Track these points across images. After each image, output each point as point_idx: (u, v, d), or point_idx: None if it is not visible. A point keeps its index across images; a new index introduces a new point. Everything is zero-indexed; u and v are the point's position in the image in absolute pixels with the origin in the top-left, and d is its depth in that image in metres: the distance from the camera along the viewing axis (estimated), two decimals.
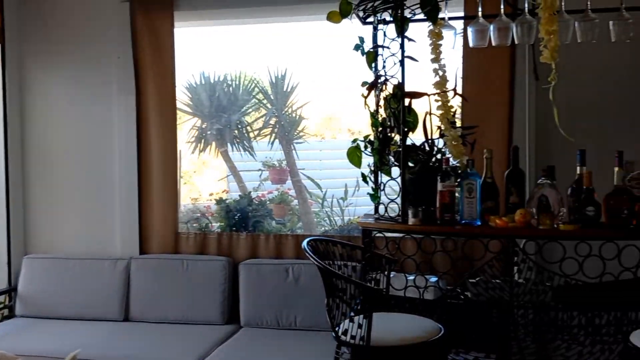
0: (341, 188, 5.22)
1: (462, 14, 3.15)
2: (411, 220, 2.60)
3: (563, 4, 2.59)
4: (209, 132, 4.82)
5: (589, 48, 2.73)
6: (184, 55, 3.91)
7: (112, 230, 3.69)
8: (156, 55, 3.57)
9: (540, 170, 2.61)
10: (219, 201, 4.04)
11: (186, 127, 4.93)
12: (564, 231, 2.41)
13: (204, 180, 5.83)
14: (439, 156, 2.78)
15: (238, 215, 3.84)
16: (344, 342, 2.19)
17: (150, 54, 3.57)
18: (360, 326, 2.13)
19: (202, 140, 4.90)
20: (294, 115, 5.10)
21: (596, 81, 3.15)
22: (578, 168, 2.61)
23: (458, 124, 2.98)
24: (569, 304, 2.46)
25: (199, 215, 4.15)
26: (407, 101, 2.69)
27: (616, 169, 2.50)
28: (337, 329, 2.24)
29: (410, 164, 2.75)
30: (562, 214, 2.54)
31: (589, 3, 2.61)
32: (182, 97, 4.81)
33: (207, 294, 3.33)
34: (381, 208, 2.87)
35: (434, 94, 2.73)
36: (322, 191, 5.31)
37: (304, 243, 2.33)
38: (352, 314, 2.26)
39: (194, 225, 4.02)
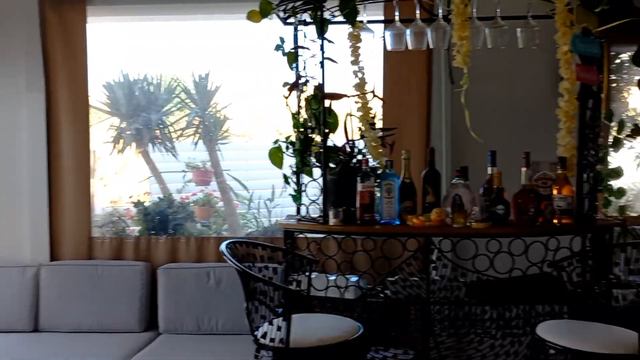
0: (268, 189, 5.18)
1: (382, 17, 3.21)
2: (332, 221, 2.62)
3: (475, 11, 2.70)
4: (128, 132, 4.64)
5: (500, 54, 2.86)
6: (101, 52, 3.74)
7: (20, 236, 3.47)
8: (67, 52, 3.39)
9: (455, 170, 2.70)
10: (137, 204, 3.89)
11: (105, 126, 4.73)
12: (476, 229, 2.51)
13: (125, 182, 5.61)
14: (359, 157, 2.82)
15: (157, 218, 3.72)
16: (263, 345, 2.17)
17: (61, 49, 3.39)
18: (279, 328, 2.11)
19: (121, 140, 4.71)
20: (218, 115, 5.01)
21: (507, 85, 3.31)
22: (489, 168, 2.72)
23: (379, 125, 3.03)
24: (481, 299, 2.57)
25: (116, 218, 3.98)
26: (327, 102, 2.70)
27: (524, 169, 2.63)
28: (256, 332, 2.21)
29: (332, 165, 2.77)
30: (475, 213, 2.64)
31: (498, 11, 2.73)
32: (99, 96, 4.60)
33: (124, 301, 3.20)
34: (303, 209, 2.87)
35: (354, 96, 2.76)
36: (248, 192, 5.26)
37: (222, 246, 2.28)
38: (273, 316, 2.24)
39: (111, 229, 3.85)
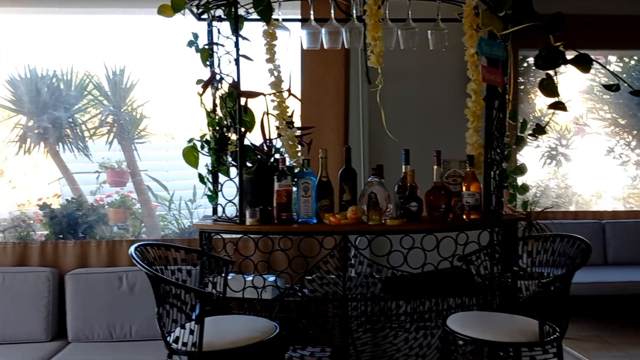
0: (190, 190, 5.06)
1: (299, 16, 3.21)
2: (249, 221, 2.58)
3: (387, 12, 2.76)
4: (35, 131, 4.38)
5: (413, 55, 2.94)
6: (4, 46, 3.49)
7: None
8: None
9: (371, 169, 2.75)
10: (43, 206, 3.67)
11: (10, 125, 4.43)
12: (391, 226, 2.56)
13: (35, 183, 5.29)
14: (276, 156, 2.80)
15: (65, 221, 3.52)
16: (175, 350, 2.10)
17: None
18: (192, 332, 2.05)
19: (28, 140, 4.44)
20: (134, 113, 4.83)
21: (420, 86, 3.41)
22: (403, 167, 2.79)
23: (297, 124, 3.03)
24: (396, 294, 2.62)
25: (21, 222, 3.74)
26: (243, 100, 2.66)
27: (435, 167, 2.72)
28: (168, 337, 2.14)
29: (248, 164, 2.74)
30: (390, 210, 2.70)
31: (410, 13, 2.80)
32: (2, 92, 4.31)
33: (29, 309, 3.00)
34: (220, 209, 2.81)
35: (270, 94, 2.74)
36: (169, 193, 5.10)
37: (131, 249, 2.19)
38: (186, 320, 2.18)
39: (15, 233, 3.61)
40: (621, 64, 5.90)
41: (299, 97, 2.76)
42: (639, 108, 5.87)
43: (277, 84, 2.70)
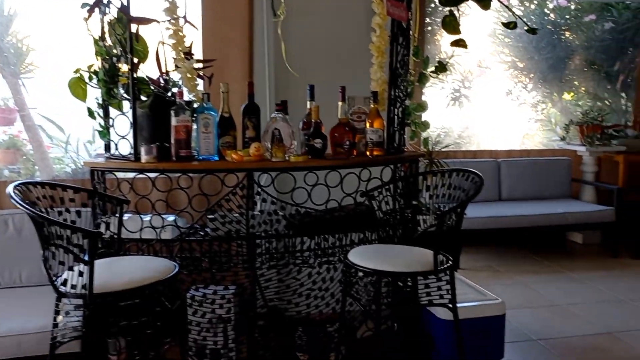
0: (89, 129, 4.72)
1: None
2: (144, 158, 2.44)
3: None
4: None
5: None
6: None
7: None
8: None
9: (275, 104, 2.66)
10: None
11: None
12: (294, 163, 2.52)
13: None
14: (175, 90, 2.64)
15: None
16: (64, 293, 1.98)
17: None
18: (81, 274, 1.93)
19: None
20: (19, 45, 4.37)
21: (327, 20, 3.31)
22: (308, 103, 2.73)
23: (200, 56, 2.86)
24: (299, 230, 2.62)
25: None
26: (134, 27, 2.45)
27: (340, 103, 2.68)
28: (56, 280, 2.00)
29: (143, 98, 2.56)
30: (294, 147, 2.65)
31: None
32: None
33: None
34: (113, 146, 2.63)
35: (165, 22, 2.54)
36: (65, 134, 4.74)
37: (9, 188, 1.99)
38: (77, 263, 2.05)
39: None
40: (522, 8, 6.10)
41: (195, 26, 2.58)
42: (536, 51, 6.14)
43: (171, 10, 2.50)
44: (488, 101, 6.23)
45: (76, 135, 4.70)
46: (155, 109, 2.51)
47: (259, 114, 2.68)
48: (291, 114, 2.76)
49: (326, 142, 2.65)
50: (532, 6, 6.14)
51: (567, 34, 6.23)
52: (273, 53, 3.29)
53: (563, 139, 5.77)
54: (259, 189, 2.60)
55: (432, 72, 2.89)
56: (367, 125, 2.70)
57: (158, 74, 2.68)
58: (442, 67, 2.86)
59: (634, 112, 5.92)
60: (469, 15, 5.26)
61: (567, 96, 6.49)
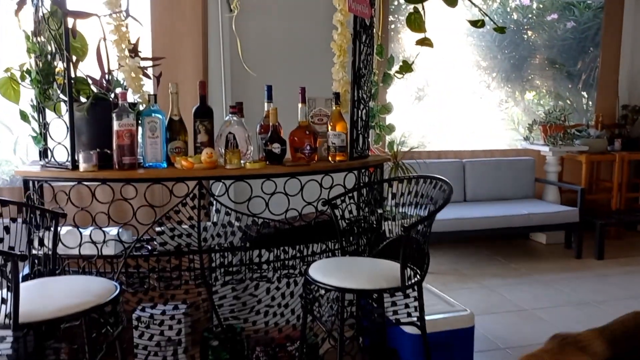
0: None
1: None
2: (83, 166, 2.20)
3: None
4: None
5: None
6: None
7: None
8: None
9: (229, 106, 2.46)
10: None
11: None
12: (251, 170, 2.33)
13: None
14: (118, 91, 2.41)
15: None
16: None
17: None
18: (3, 301, 1.69)
19: None
20: None
21: (285, 17, 3.13)
22: (265, 104, 2.54)
23: (149, 55, 2.63)
24: (256, 243, 2.43)
25: None
26: (70, 22, 2.21)
27: (300, 105, 2.50)
28: None
29: (83, 100, 2.32)
30: (250, 152, 2.46)
31: None
32: None
33: None
34: (49, 153, 2.38)
35: (106, 16, 2.30)
36: (13, 134, 4.41)
37: None
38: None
39: None
40: (485, 6, 6.04)
41: (139, 21, 2.35)
42: (499, 50, 6.10)
43: (112, 3, 2.27)
44: (452, 101, 6.16)
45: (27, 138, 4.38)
46: (95, 111, 2.27)
47: (212, 116, 2.48)
48: (248, 117, 2.57)
49: (285, 146, 2.47)
50: (495, 5, 6.10)
51: (530, 33, 6.21)
52: (229, 50, 3.09)
53: (527, 138, 5.74)
54: (212, 199, 2.39)
55: (396, 72, 2.73)
56: (329, 128, 2.52)
57: (100, 73, 2.44)
58: (407, 67, 2.71)
59: (596, 112, 5.94)
60: (432, 13, 5.16)
61: (529, 95, 6.49)
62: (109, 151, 2.27)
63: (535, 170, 5.61)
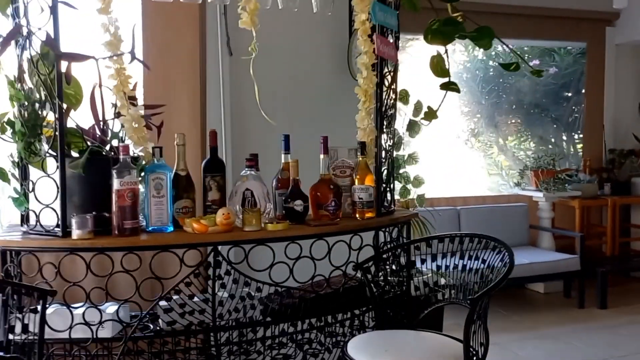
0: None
1: None
2: (76, 233, 1.85)
3: None
4: None
5: (287, 25, 2.42)
6: None
7: None
8: None
9: (243, 158, 2.16)
10: None
11: None
12: (273, 231, 2.02)
13: None
14: (115, 143, 2.09)
15: None
16: None
17: None
18: None
19: None
20: None
21: (295, 61, 2.91)
22: (283, 156, 2.27)
23: (141, 101, 2.33)
24: (280, 316, 2.10)
25: None
26: (64, 66, 1.90)
27: (322, 156, 2.23)
28: None
29: (74, 154, 1.99)
30: (269, 211, 2.15)
31: None
32: None
33: None
34: (33, 217, 2.01)
35: (105, 58, 2.00)
36: None
37: None
38: None
39: None
40: (466, 53, 6.03)
41: (147, 64, 2.06)
42: (482, 96, 6.05)
43: (114, 44, 1.97)
44: (438, 146, 6.03)
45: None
46: (91, 168, 1.94)
47: (224, 171, 2.17)
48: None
49: (307, 203, 2.19)
50: (479, 52, 6.09)
51: (512, 78, 6.21)
52: (229, 98, 2.82)
53: (518, 184, 5.62)
54: (229, 267, 2.06)
55: (422, 118, 2.52)
56: (356, 181, 2.25)
57: (90, 123, 2.11)
58: (432, 114, 2.49)
59: (583, 156, 5.90)
60: (418, 53, 5.08)
61: (512, 140, 6.44)
62: (106, 214, 1.93)
63: (529, 217, 5.47)
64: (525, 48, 6.16)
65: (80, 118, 2.12)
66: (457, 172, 6.31)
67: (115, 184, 1.90)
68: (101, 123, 2.10)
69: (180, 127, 2.73)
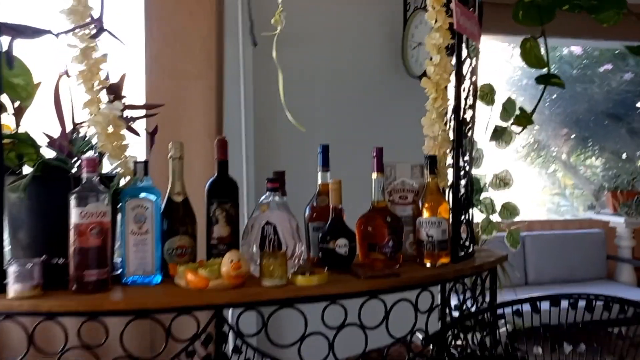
0: None
1: None
2: (14, 289, 1.24)
3: None
4: None
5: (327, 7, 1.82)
6: None
7: None
8: None
9: (266, 180, 1.51)
10: None
11: None
12: (305, 287, 1.36)
13: None
14: (89, 155, 1.47)
15: None
16: None
17: None
18: None
19: None
20: None
21: (342, 49, 2.30)
22: (320, 175, 1.62)
23: (134, 101, 1.72)
24: None
25: None
26: (4, 42, 1.30)
27: (374, 175, 1.58)
28: None
29: (29, 171, 1.39)
30: (300, 254, 1.50)
31: None
32: None
33: None
34: None
35: (68, 32, 1.40)
36: None
37: None
38: None
39: None
40: None
41: (120, 39, 1.43)
42: (544, 104, 5.31)
43: (78, 12, 1.36)
44: (494, 161, 5.31)
45: None
46: (42, 191, 1.33)
47: (236, 196, 1.53)
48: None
49: (355, 243, 1.53)
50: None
51: (580, 86, 5.43)
52: (252, 97, 2.21)
53: (592, 207, 4.83)
54: (239, 342, 1.40)
55: (512, 123, 1.83)
56: (424, 211, 1.58)
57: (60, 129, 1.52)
58: (526, 118, 1.81)
59: None
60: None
61: (577, 154, 5.65)
62: (61, 260, 1.31)
63: (606, 245, 4.66)
64: (596, 53, 5.40)
65: (48, 122, 1.54)
66: (515, 192, 5.56)
67: (74, 215, 1.28)
68: (74, 128, 1.50)
69: (190, 134, 2.12)
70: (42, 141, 1.48)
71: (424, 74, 2.23)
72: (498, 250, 1.82)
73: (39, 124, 1.55)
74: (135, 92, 2.08)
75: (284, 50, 1.75)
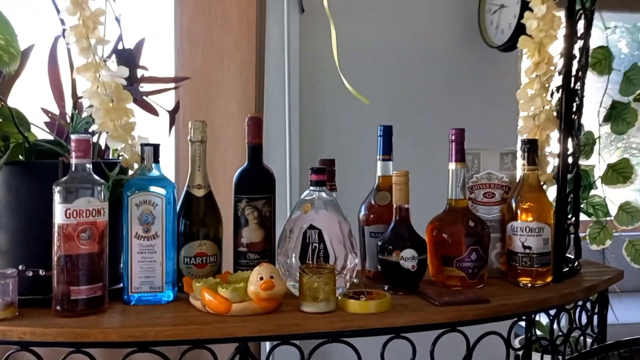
0: None
1: None
2: None
3: None
4: None
5: None
6: None
7: None
8: None
9: (310, 170, 1.17)
10: None
11: None
12: (359, 317, 1.01)
13: None
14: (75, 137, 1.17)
15: None
16: None
17: None
18: None
19: None
20: None
21: (407, 17, 1.93)
22: (379, 165, 1.26)
23: (161, 73, 1.41)
24: None
25: None
26: None
27: (451, 165, 1.20)
28: None
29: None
30: (353, 266, 1.14)
31: None
32: None
33: None
34: None
35: None
36: None
37: None
38: None
39: None
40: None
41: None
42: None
43: None
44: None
45: None
46: (26, 181, 1.04)
47: (273, 190, 1.19)
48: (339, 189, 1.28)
49: (425, 255, 1.16)
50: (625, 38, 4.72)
51: None
52: (298, 74, 1.87)
53: None
54: None
55: (635, 99, 1.40)
56: (522, 215, 1.19)
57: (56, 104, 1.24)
58: None
59: None
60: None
61: None
62: (43, 272, 1.01)
63: None
64: None
65: (42, 97, 1.25)
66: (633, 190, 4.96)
67: (58, 214, 0.98)
68: (66, 103, 1.21)
69: (223, 117, 1.80)
70: (39, 119, 1.21)
71: (508, 42, 1.83)
72: (597, 261, 1.42)
73: (39, 99, 1.28)
74: (163, 69, 1.80)
75: (336, 20, 1.40)
